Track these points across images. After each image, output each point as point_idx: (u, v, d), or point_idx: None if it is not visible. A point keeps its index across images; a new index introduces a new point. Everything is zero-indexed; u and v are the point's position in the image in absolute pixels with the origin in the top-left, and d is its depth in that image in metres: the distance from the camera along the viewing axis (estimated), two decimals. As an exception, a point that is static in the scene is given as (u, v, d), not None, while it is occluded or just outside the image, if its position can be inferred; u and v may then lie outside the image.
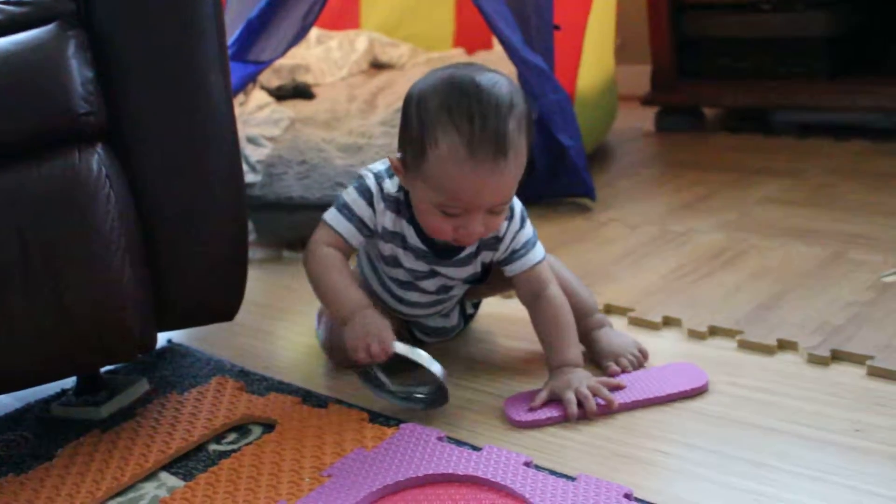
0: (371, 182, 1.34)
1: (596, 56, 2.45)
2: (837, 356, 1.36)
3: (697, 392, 1.29)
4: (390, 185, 1.33)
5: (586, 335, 1.43)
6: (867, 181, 2.17)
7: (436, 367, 1.24)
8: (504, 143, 1.19)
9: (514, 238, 1.35)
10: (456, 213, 1.24)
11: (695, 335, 1.48)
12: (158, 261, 1.28)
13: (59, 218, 1.19)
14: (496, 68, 1.27)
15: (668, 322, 1.53)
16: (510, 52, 2.08)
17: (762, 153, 2.53)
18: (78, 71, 1.21)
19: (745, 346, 1.42)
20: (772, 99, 2.72)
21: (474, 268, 1.39)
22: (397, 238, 1.35)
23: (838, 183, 2.18)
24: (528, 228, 1.37)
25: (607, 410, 1.27)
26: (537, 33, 2.15)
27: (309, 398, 1.38)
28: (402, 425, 1.25)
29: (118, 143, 1.25)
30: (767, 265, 1.71)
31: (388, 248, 1.36)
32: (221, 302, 1.36)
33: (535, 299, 1.36)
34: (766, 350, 1.40)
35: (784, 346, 1.40)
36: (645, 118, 2.99)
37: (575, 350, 1.33)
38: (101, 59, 1.24)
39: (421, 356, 1.24)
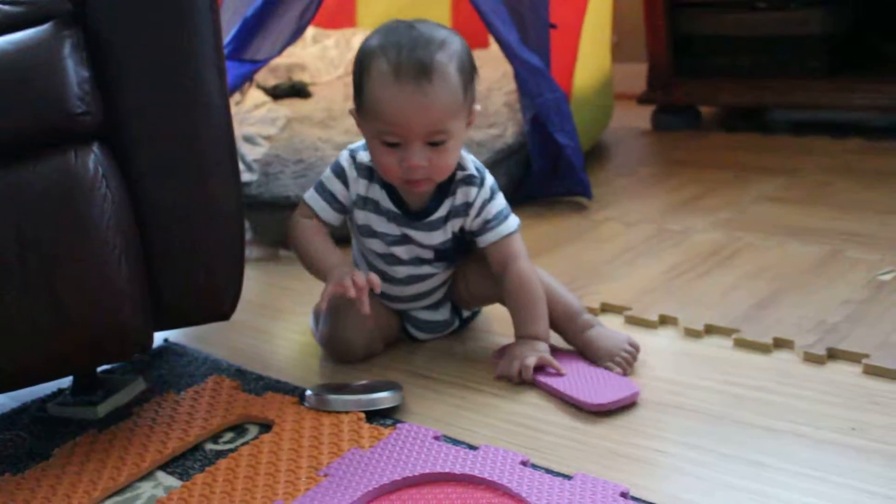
0: (344, 157, 1.45)
1: (592, 55, 2.45)
2: (833, 355, 1.36)
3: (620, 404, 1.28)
4: (364, 156, 1.44)
5: (578, 337, 1.43)
6: (864, 179, 2.17)
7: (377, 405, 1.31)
8: (428, 68, 1.28)
9: (483, 206, 1.41)
10: (395, 143, 1.32)
11: (691, 334, 1.48)
12: (155, 260, 1.28)
13: (55, 217, 1.19)
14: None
15: (665, 321, 1.53)
16: (506, 51, 2.08)
17: (759, 151, 2.54)
18: (74, 70, 1.21)
19: (742, 344, 1.42)
20: (768, 97, 2.72)
21: (444, 234, 1.43)
22: (370, 203, 1.44)
23: (835, 181, 2.18)
24: (500, 200, 1.43)
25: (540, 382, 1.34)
26: (534, 32, 2.15)
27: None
28: (398, 425, 1.26)
29: (114, 142, 1.25)
30: (764, 264, 1.71)
31: (362, 216, 1.45)
32: (218, 301, 1.36)
33: (504, 271, 1.42)
34: (762, 348, 1.40)
35: (780, 344, 1.41)
36: (641, 117, 2.99)
37: (539, 324, 1.39)
38: (96, 59, 1.24)
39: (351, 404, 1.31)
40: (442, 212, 1.42)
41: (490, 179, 1.43)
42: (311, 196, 1.46)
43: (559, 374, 1.34)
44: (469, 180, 1.41)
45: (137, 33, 1.25)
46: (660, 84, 2.90)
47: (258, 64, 2.21)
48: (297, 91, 2.66)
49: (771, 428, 1.20)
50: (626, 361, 1.37)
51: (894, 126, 2.64)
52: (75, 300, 1.20)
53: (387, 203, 1.43)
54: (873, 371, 1.30)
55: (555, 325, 1.44)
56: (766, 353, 1.39)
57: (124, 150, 1.25)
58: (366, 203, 1.44)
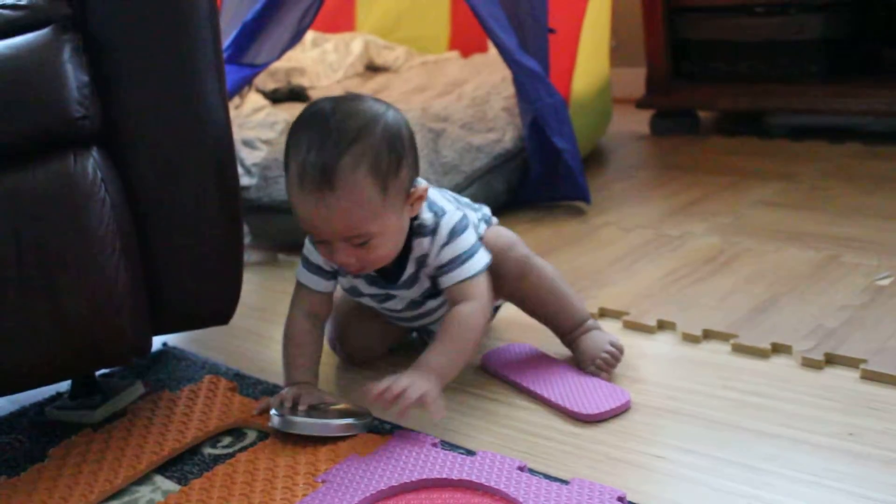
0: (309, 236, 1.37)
1: (591, 59, 2.45)
2: (831, 360, 1.36)
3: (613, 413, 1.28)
4: None
5: (571, 343, 1.44)
6: (861, 184, 2.17)
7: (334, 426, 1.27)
8: (330, 177, 1.20)
9: (438, 252, 1.33)
10: (320, 241, 1.28)
11: (689, 338, 1.48)
12: (154, 264, 1.28)
13: (54, 221, 1.19)
14: (390, 100, 1.35)
15: (663, 325, 1.53)
16: (505, 56, 2.09)
17: (757, 156, 2.54)
18: (73, 75, 1.21)
19: (740, 349, 1.42)
20: (766, 102, 2.72)
21: (421, 286, 1.39)
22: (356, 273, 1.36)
23: (832, 186, 2.18)
24: (460, 243, 1.33)
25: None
26: (532, 37, 2.16)
27: (304, 402, 1.38)
28: (396, 432, 1.26)
29: (113, 146, 1.25)
30: (762, 269, 1.71)
31: (346, 282, 1.41)
32: (217, 306, 1.36)
33: (450, 307, 1.34)
34: (760, 354, 1.40)
35: (778, 349, 1.41)
36: (640, 121, 2.99)
37: (439, 359, 1.28)
38: (96, 63, 1.24)
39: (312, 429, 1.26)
40: (410, 269, 1.36)
41: (450, 221, 1.34)
42: (300, 272, 1.40)
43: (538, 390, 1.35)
44: (420, 230, 1.34)
45: (137, 37, 1.26)
46: (658, 89, 2.91)
47: (257, 68, 2.22)
48: (296, 95, 2.67)
49: (768, 433, 1.20)
50: (605, 363, 1.37)
51: (891, 131, 2.64)
52: (74, 304, 1.20)
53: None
54: (871, 376, 1.30)
55: (557, 332, 1.45)
56: (764, 358, 1.40)
57: (123, 155, 1.26)
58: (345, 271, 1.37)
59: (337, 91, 2.79)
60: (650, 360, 1.43)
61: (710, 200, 2.17)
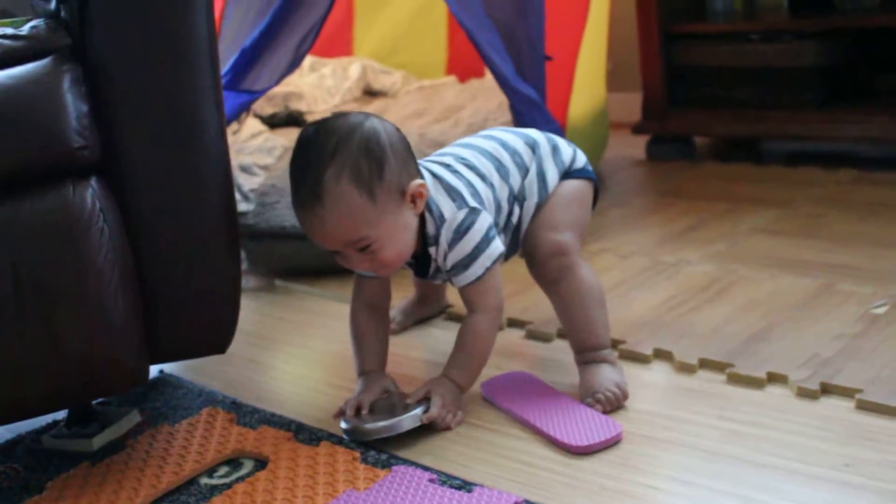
0: None
1: (587, 86, 2.47)
2: (827, 389, 1.36)
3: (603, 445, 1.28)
4: None
5: (580, 367, 1.44)
6: (856, 211, 2.18)
7: (407, 425, 1.34)
8: (318, 193, 1.29)
9: (444, 259, 1.40)
10: (334, 252, 1.36)
11: (685, 368, 1.48)
12: (151, 294, 1.28)
13: (52, 251, 1.19)
14: (383, 117, 1.41)
15: (659, 355, 1.53)
16: (501, 83, 2.10)
17: (752, 182, 2.55)
18: (73, 105, 1.22)
19: (736, 379, 1.43)
20: (761, 128, 2.73)
21: (444, 280, 1.49)
22: None
23: (827, 213, 2.19)
24: (459, 251, 1.38)
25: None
26: (529, 64, 2.17)
27: (301, 432, 1.38)
28: (394, 467, 1.25)
29: (112, 177, 1.25)
30: (757, 297, 1.72)
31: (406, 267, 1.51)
32: (214, 335, 1.37)
33: (467, 314, 1.44)
34: (755, 383, 1.41)
35: (774, 379, 1.41)
36: (636, 146, 3.00)
37: (460, 373, 1.40)
38: (95, 94, 1.25)
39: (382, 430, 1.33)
40: (433, 266, 1.44)
41: (448, 229, 1.38)
42: None
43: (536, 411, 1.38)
44: (427, 240, 1.40)
45: (136, 67, 1.26)
46: (654, 114, 2.92)
47: (256, 94, 2.23)
48: (294, 120, 2.68)
49: (764, 464, 1.20)
50: (607, 400, 1.37)
51: (886, 157, 2.66)
52: (72, 334, 1.20)
53: None
54: (866, 406, 1.31)
55: (572, 347, 1.47)
56: (759, 388, 1.40)
57: (122, 185, 1.26)
58: None
59: (334, 116, 2.81)
60: (647, 389, 1.44)
61: (706, 227, 2.17)
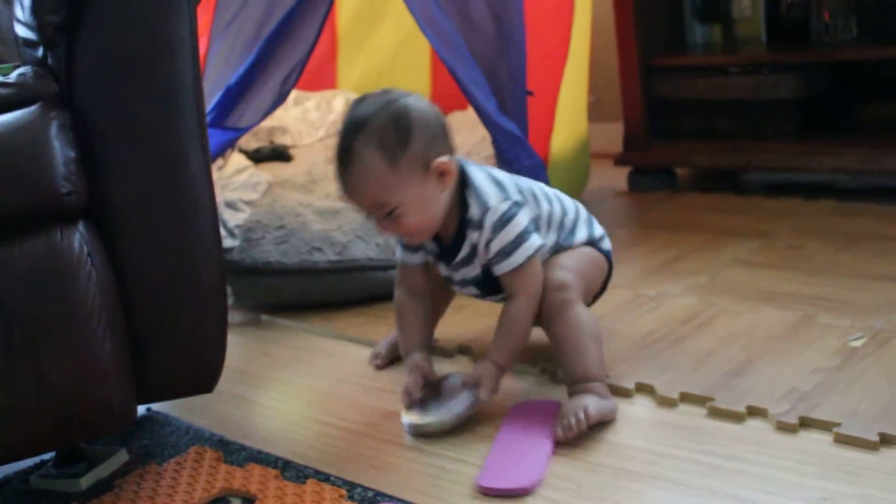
0: None
1: (569, 120, 2.49)
2: (805, 423, 1.38)
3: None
4: None
5: (569, 397, 1.48)
6: (835, 241, 2.21)
7: (458, 409, 1.48)
8: (347, 156, 1.44)
9: (486, 245, 1.51)
10: (365, 216, 1.51)
11: (666, 402, 1.50)
12: (139, 336, 1.30)
13: (40, 295, 1.21)
14: (422, 105, 1.49)
15: (641, 389, 1.55)
16: (484, 119, 2.12)
17: (733, 213, 2.58)
18: (60, 151, 1.24)
19: (716, 413, 1.45)
20: (741, 159, 2.77)
21: (475, 269, 1.56)
22: (426, 247, 1.60)
23: (807, 244, 2.22)
24: (504, 236, 1.49)
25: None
26: (511, 99, 2.19)
27: (288, 469, 1.39)
28: (380, 502, 1.27)
29: (99, 220, 1.27)
30: (737, 329, 1.74)
31: (431, 259, 1.63)
32: (201, 375, 1.38)
33: (506, 295, 1.54)
34: (735, 417, 1.43)
35: (753, 412, 1.43)
36: (618, 177, 3.03)
37: (497, 354, 1.51)
38: (82, 139, 1.27)
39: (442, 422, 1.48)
40: (465, 251, 1.54)
41: (493, 215, 1.50)
42: (398, 252, 1.65)
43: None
44: (470, 224, 1.52)
45: (123, 114, 1.29)
46: (636, 146, 2.95)
47: (241, 131, 2.25)
48: (279, 155, 2.70)
49: (744, 498, 1.22)
50: (569, 426, 1.40)
51: (864, 188, 2.69)
52: (60, 377, 1.21)
53: (430, 243, 1.58)
54: (844, 440, 1.33)
55: (565, 380, 1.51)
56: (739, 422, 1.42)
57: (109, 229, 1.28)
58: (425, 247, 1.61)
59: (318, 149, 2.83)
60: (629, 423, 1.46)
61: (688, 259, 2.20)
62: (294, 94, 3.10)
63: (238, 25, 2.40)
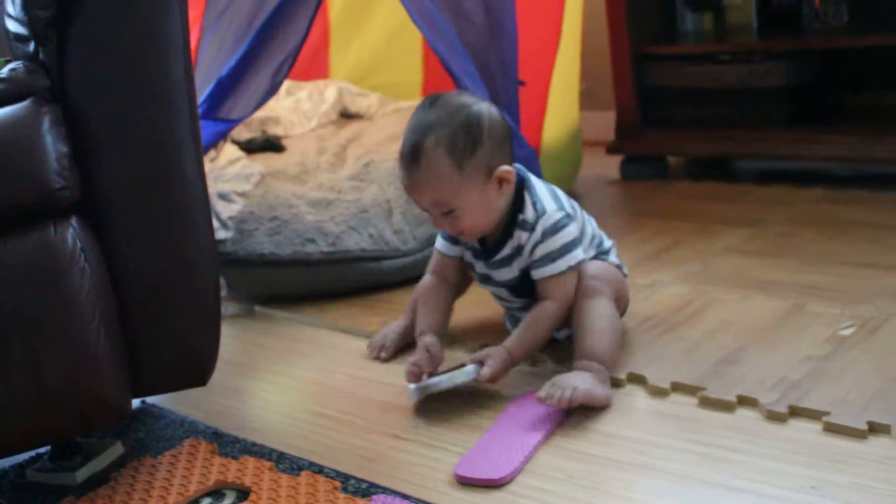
0: None
1: (560, 109, 2.50)
2: (795, 412, 1.39)
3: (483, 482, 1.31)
4: None
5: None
6: (825, 229, 2.22)
7: (460, 378, 1.51)
8: (415, 155, 1.50)
9: (533, 248, 1.57)
10: (424, 209, 1.56)
11: (657, 392, 1.51)
12: (133, 330, 1.31)
13: (34, 290, 1.21)
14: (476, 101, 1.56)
15: (633, 379, 1.56)
16: (476, 109, 2.12)
17: (724, 201, 2.59)
18: (53, 146, 1.24)
19: (706, 402, 1.46)
20: (732, 148, 2.78)
21: (512, 271, 1.61)
22: (467, 243, 1.66)
23: (798, 232, 2.23)
24: (552, 242, 1.56)
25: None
26: (503, 90, 2.20)
27: (282, 461, 1.40)
28: (374, 496, 1.28)
29: (92, 215, 1.28)
30: (729, 318, 1.75)
31: (468, 255, 1.68)
32: (195, 368, 1.39)
33: (538, 298, 1.58)
34: (726, 407, 1.44)
35: (744, 402, 1.44)
36: (610, 165, 3.04)
37: (513, 343, 1.55)
38: (75, 134, 1.27)
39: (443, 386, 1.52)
40: (507, 251, 1.60)
41: (547, 221, 1.56)
42: (437, 239, 1.72)
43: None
44: (522, 225, 1.57)
45: (115, 109, 1.29)
46: (627, 134, 2.96)
47: (233, 123, 2.25)
48: (271, 146, 2.70)
49: (735, 487, 1.23)
50: (551, 396, 1.43)
51: (855, 175, 2.70)
52: (55, 372, 1.22)
53: (472, 241, 1.64)
54: (833, 429, 1.34)
55: (575, 355, 1.54)
56: (730, 411, 1.43)
57: (102, 224, 1.28)
58: (465, 243, 1.67)
59: (311, 139, 2.83)
60: (621, 413, 1.47)
61: (680, 248, 2.21)
62: (286, 84, 3.10)
63: (229, 16, 2.41)
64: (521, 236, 1.58)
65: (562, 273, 1.55)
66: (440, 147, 1.49)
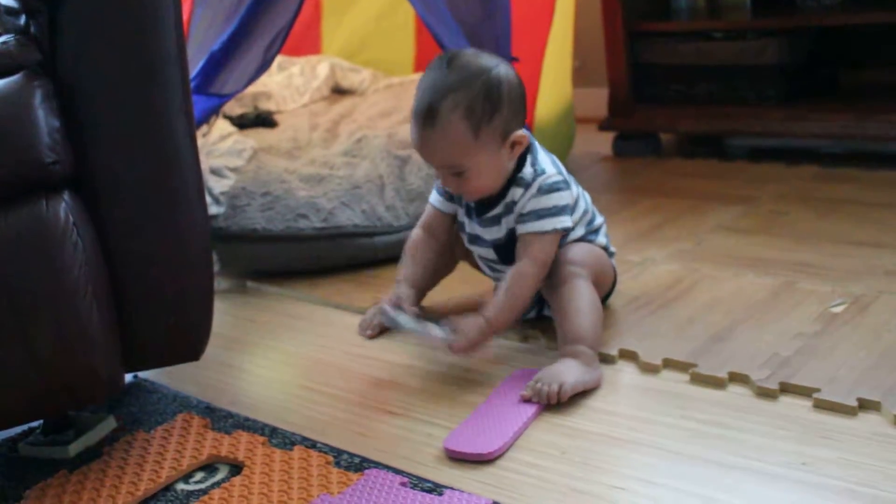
0: None
1: (553, 85, 2.50)
2: (786, 389, 1.40)
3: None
4: None
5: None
6: (817, 207, 2.22)
7: (433, 334, 1.53)
8: (431, 116, 1.48)
9: (524, 204, 1.55)
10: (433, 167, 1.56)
11: (649, 369, 1.52)
12: (126, 305, 1.30)
13: (26, 265, 1.21)
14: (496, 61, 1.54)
15: (624, 355, 1.57)
16: (469, 85, 2.12)
17: (717, 178, 2.59)
18: (44, 120, 1.23)
19: (698, 379, 1.46)
20: (725, 125, 2.78)
21: (499, 231, 1.60)
22: (458, 198, 1.66)
23: (789, 210, 2.23)
24: (545, 201, 1.54)
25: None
26: (496, 66, 2.19)
27: (275, 436, 1.40)
28: (366, 471, 1.28)
29: (85, 190, 1.27)
30: (720, 295, 1.76)
31: (461, 213, 1.68)
32: (187, 343, 1.39)
33: (517, 257, 1.56)
34: (717, 383, 1.45)
35: (735, 378, 1.45)
36: (603, 142, 3.04)
37: (491, 309, 1.52)
38: (67, 108, 1.27)
39: (414, 327, 1.55)
40: (499, 209, 1.59)
41: (545, 180, 1.55)
42: (432, 194, 1.71)
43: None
44: (518, 181, 1.56)
45: (107, 83, 1.28)
46: (620, 111, 2.96)
47: (225, 98, 2.24)
48: (263, 121, 2.69)
49: (725, 463, 1.24)
50: (539, 393, 1.42)
51: (847, 153, 2.71)
52: (48, 346, 1.22)
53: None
54: (823, 405, 1.35)
55: (559, 340, 1.53)
56: (721, 388, 1.44)
57: (94, 198, 1.28)
58: (459, 199, 1.66)
59: (303, 115, 2.82)
60: (613, 390, 1.47)
61: (671, 225, 2.21)
62: (278, 59, 3.08)
63: (221, -10, 2.39)
64: (515, 192, 1.56)
65: (545, 233, 1.54)
66: (457, 111, 1.47)
